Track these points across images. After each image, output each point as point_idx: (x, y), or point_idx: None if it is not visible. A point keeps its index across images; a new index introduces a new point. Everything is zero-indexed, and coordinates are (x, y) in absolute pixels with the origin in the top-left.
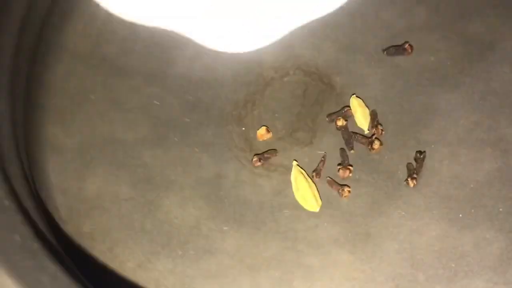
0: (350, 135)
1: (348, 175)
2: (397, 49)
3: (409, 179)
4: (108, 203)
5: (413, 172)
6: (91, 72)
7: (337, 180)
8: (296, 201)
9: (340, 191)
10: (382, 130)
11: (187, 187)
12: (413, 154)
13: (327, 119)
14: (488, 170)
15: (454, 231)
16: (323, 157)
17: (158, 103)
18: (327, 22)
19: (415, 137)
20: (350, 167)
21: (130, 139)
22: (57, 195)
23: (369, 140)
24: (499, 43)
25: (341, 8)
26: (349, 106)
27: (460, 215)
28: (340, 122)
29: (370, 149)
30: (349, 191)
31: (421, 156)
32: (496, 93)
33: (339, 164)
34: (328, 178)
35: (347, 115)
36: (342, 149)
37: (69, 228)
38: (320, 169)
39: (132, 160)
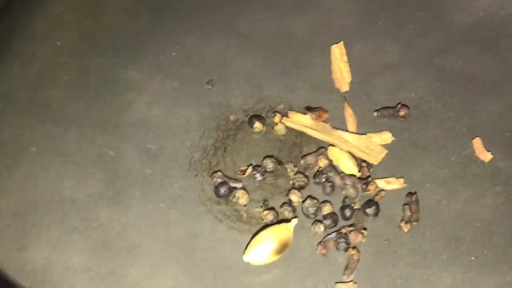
0: (340, 177)
1: (361, 240)
2: (390, 112)
3: (402, 223)
4: (58, 277)
5: (409, 216)
6: (30, 120)
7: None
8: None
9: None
10: (369, 168)
11: (155, 252)
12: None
13: (301, 161)
14: (492, 206)
15: (470, 277)
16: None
17: (112, 153)
18: (297, 60)
19: (408, 177)
20: (364, 232)
21: (81, 197)
22: None
23: (363, 181)
24: (480, 75)
25: (312, 46)
26: (324, 147)
27: (473, 258)
28: (323, 162)
29: (365, 191)
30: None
31: (413, 199)
32: (485, 124)
33: (351, 225)
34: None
35: (325, 154)
36: (357, 210)
37: None
38: (329, 246)
39: (85, 223)
